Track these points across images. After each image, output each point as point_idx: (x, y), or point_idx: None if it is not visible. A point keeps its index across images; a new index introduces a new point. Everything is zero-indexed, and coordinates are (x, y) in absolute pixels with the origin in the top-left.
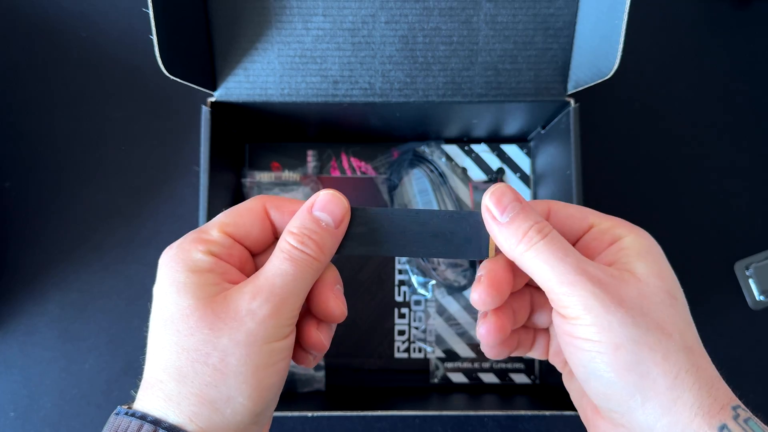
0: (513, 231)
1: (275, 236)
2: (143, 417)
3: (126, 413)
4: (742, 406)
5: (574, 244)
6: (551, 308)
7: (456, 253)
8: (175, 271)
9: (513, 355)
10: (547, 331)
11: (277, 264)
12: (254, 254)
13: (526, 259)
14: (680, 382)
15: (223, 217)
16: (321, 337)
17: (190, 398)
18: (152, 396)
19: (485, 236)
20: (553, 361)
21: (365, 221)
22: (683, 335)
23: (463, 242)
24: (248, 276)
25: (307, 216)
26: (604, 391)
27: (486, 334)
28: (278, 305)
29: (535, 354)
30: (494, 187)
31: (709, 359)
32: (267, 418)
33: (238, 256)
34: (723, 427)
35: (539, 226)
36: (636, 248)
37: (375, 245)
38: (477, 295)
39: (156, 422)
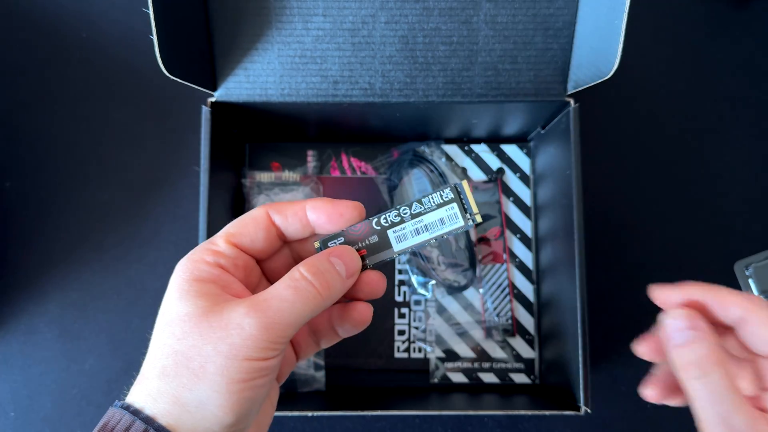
0: (679, 357)
1: (282, 241)
2: (126, 408)
3: (116, 405)
4: None
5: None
6: None
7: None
8: (182, 279)
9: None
10: None
11: (281, 289)
12: (262, 261)
13: (685, 387)
14: None
15: (230, 227)
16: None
17: (166, 396)
18: (137, 391)
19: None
20: None
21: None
22: None
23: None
24: (252, 285)
25: (324, 257)
26: None
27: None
28: (267, 327)
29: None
30: (677, 311)
31: None
32: (243, 430)
33: (243, 266)
34: None
35: (702, 363)
36: None
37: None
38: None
39: (135, 413)
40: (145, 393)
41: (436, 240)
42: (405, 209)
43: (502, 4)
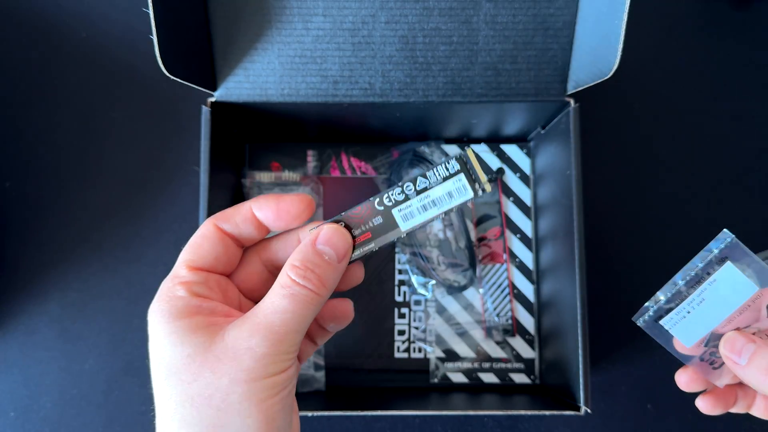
0: (754, 371)
1: (242, 247)
2: None
3: None
4: None
5: None
6: None
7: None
8: (165, 323)
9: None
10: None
11: (277, 301)
12: (232, 274)
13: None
14: None
15: (186, 254)
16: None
17: None
18: None
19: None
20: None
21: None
22: None
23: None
24: (235, 302)
25: (310, 249)
26: None
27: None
28: (276, 343)
29: (738, 409)
30: (727, 336)
31: None
32: None
33: (218, 286)
34: None
35: None
36: None
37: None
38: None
39: None
40: None
41: (445, 214)
42: (409, 185)
43: (502, 4)
